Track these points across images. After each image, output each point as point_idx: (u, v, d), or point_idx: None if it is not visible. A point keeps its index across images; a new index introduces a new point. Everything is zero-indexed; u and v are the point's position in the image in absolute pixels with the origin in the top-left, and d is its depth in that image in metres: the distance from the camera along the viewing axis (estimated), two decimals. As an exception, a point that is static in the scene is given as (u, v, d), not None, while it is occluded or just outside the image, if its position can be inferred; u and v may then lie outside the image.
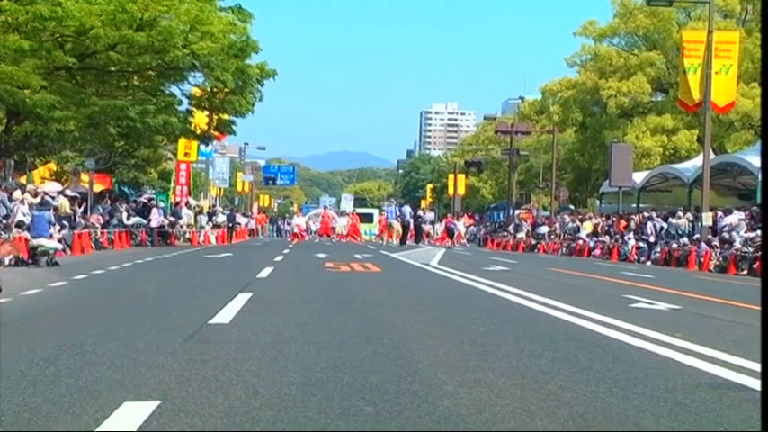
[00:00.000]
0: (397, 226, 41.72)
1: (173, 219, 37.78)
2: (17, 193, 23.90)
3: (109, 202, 33.28)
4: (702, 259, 26.56)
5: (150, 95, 29.53)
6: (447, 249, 37.73)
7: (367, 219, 65.86)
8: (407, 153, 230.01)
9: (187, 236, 38.99)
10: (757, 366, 6.22)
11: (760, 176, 27.11)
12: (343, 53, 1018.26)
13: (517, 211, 56.48)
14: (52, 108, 24.58)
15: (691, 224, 30.77)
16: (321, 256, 25.86)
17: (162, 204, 40.95)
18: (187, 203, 45.20)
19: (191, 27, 26.04)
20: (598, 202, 49.76)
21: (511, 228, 49.79)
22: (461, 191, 73.53)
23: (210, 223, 45.19)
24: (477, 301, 12.02)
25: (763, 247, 20.63)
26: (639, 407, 4.94)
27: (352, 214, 64.86)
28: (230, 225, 47.38)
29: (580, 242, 37.65)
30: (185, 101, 31.85)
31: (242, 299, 10.88)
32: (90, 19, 23.71)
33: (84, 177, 35.18)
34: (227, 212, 51.72)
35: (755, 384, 5.58)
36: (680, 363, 6.58)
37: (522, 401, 4.99)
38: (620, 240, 33.95)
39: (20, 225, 20.31)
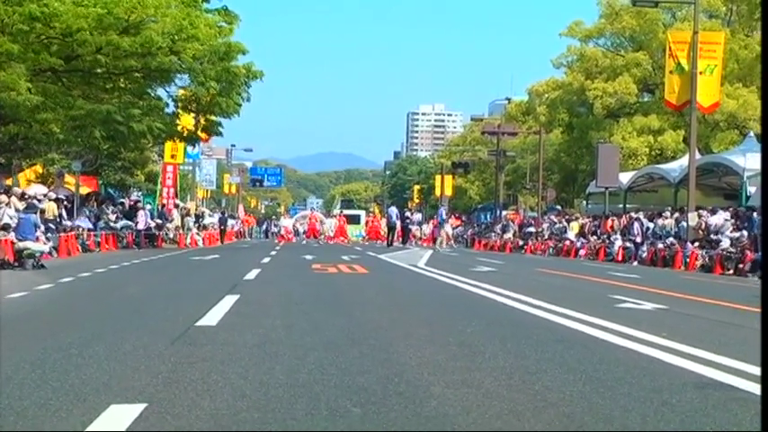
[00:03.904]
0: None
1: (159, 221, 37.70)
2: (2, 197, 23.81)
3: (95, 204, 33.18)
4: (688, 259, 26.67)
5: (136, 98, 29.39)
6: (434, 251, 37.76)
7: (354, 220, 65.87)
8: (394, 154, 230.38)
9: (174, 238, 38.88)
10: (743, 366, 6.28)
11: (760, 177, 27.15)
12: (330, 54, 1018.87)
13: (504, 212, 56.61)
14: (36, 109, 24.46)
15: (677, 224, 30.86)
16: (308, 257, 25.84)
17: (149, 206, 40.89)
18: (176, 205, 45.20)
19: (176, 32, 25.92)
20: (585, 202, 49.88)
21: (498, 228, 49.84)
22: (448, 192, 73.61)
23: (197, 225, 45.15)
24: (464, 302, 12.03)
25: (764, 247, 20.69)
26: (626, 407, 4.95)
27: (339, 216, 64.89)
28: (222, 228, 47.73)
29: (567, 242, 37.75)
30: (171, 103, 31.75)
31: (229, 301, 10.85)
32: (77, 21, 23.61)
33: (70, 179, 35.05)
34: (219, 215, 51.95)
35: (741, 384, 5.63)
36: (666, 362, 6.60)
37: (509, 402, 5.00)
38: (607, 241, 34.07)
39: (5, 228, 20.23)
